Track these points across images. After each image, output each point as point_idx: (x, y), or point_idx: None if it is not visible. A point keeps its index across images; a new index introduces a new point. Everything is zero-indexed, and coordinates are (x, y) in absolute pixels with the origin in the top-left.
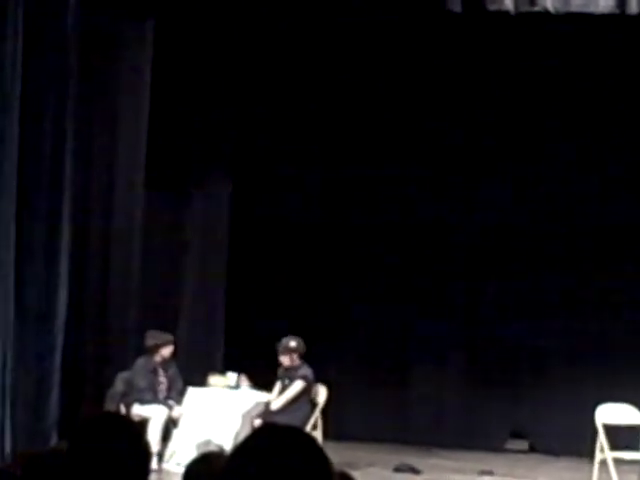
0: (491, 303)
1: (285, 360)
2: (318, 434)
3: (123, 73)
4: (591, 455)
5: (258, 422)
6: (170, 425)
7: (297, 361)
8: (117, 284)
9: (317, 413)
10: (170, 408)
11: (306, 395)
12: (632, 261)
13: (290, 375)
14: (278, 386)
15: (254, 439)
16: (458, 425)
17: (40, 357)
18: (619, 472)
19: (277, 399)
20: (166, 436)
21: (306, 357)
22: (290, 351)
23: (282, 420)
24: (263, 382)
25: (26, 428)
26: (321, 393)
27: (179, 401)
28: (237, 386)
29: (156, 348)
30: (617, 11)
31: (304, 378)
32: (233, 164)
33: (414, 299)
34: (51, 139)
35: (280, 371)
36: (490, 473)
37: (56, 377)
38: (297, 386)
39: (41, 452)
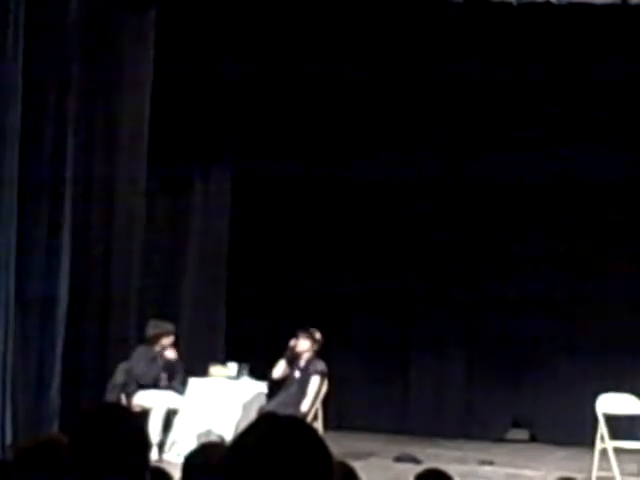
0: (493, 293)
1: (304, 344)
2: (319, 424)
3: (124, 66)
4: (592, 444)
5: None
6: (171, 415)
7: (312, 352)
8: (118, 276)
9: (318, 403)
10: (171, 398)
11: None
12: (633, 254)
13: (299, 367)
14: (283, 366)
15: (254, 429)
16: (459, 415)
17: (41, 348)
18: (619, 461)
19: (304, 401)
20: (167, 426)
21: None
22: (313, 339)
23: (284, 411)
24: (264, 372)
25: (27, 419)
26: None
27: (181, 392)
28: (238, 376)
29: (156, 338)
30: (619, 1)
31: (321, 373)
32: (234, 160)
33: (416, 289)
34: (52, 134)
35: (288, 352)
36: (491, 463)
37: (57, 368)
38: (315, 381)
39: (35, 441)
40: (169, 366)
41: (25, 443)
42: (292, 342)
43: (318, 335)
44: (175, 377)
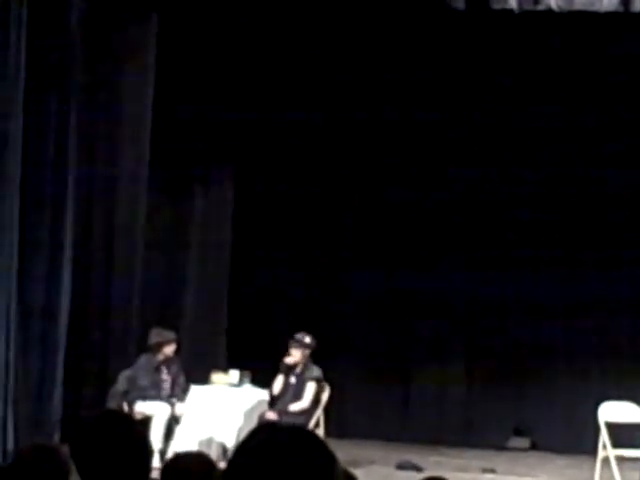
0: (493, 301)
1: (297, 354)
2: (320, 432)
3: (126, 72)
4: (593, 453)
5: (272, 415)
6: (173, 423)
7: (307, 358)
8: (120, 281)
9: (319, 411)
10: (173, 405)
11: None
12: (634, 258)
13: (295, 373)
14: (281, 381)
15: (256, 436)
16: (460, 423)
17: (43, 355)
18: (621, 470)
19: (297, 402)
20: (169, 434)
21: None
22: (304, 346)
23: (286, 419)
24: (266, 380)
25: (29, 426)
26: (324, 391)
27: (182, 398)
28: (240, 384)
29: (159, 346)
30: (621, 9)
31: (316, 380)
32: (236, 161)
33: (415, 296)
34: (54, 136)
35: (283, 366)
36: (492, 471)
37: (59, 375)
38: (311, 388)
39: (33, 448)
40: (172, 375)
41: (23, 449)
42: (286, 359)
43: (308, 339)
44: (176, 384)
